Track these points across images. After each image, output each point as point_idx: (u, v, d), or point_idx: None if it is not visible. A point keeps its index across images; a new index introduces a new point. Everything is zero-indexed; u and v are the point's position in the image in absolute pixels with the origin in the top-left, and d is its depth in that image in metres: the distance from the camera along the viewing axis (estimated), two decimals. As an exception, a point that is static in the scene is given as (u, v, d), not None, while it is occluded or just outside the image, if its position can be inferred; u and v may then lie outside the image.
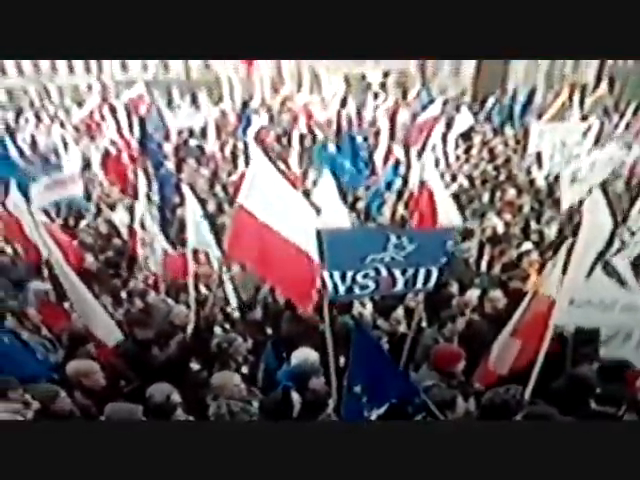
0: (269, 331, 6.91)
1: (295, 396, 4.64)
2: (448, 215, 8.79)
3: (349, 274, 5.05)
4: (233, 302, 7.58)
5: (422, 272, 5.20)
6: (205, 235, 7.08)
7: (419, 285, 5.30)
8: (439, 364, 5.30)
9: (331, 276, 5.03)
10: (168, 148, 16.52)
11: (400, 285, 5.25)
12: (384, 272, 5.11)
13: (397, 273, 5.15)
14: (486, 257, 9.10)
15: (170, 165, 14.33)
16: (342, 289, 5.13)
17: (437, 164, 10.18)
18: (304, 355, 5.48)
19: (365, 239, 5.41)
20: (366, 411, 4.28)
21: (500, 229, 10.47)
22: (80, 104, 26.82)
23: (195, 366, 5.75)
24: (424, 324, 6.77)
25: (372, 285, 5.20)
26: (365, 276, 5.11)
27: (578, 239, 5.03)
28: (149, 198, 9.57)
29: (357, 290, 5.21)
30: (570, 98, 18.49)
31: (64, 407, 4.41)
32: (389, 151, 14.21)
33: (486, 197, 12.98)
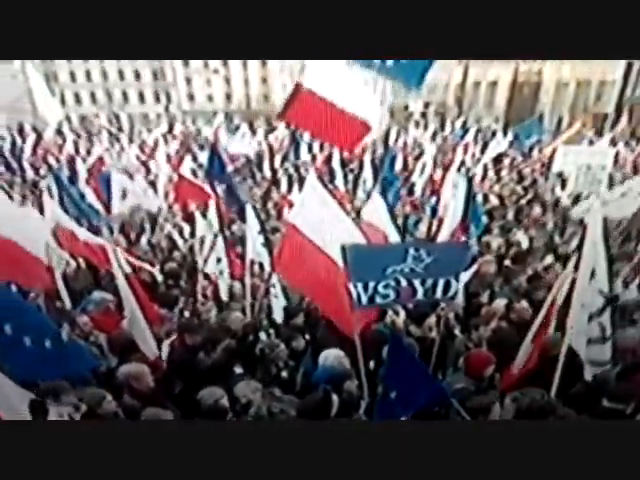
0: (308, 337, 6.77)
1: (334, 397, 4.51)
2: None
3: (371, 285, 5.01)
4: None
5: (441, 282, 5.12)
6: (260, 249, 7.30)
7: (438, 295, 5.22)
8: (472, 369, 5.08)
9: (355, 287, 4.99)
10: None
11: (420, 295, 5.17)
12: (404, 282, 5.04)
13: (417, 283, 5.08)
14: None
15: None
16: (364, 299, 5.08)
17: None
18: (333, 355, 5.33)
19: (386, 252, 5.43)
20: (398, 415, 4.12)
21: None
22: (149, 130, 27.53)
23: (238, 370, 5.64)
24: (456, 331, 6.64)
25: (393, 295, 5.13)
26: (386, 286, 5.04)
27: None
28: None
29: (379, 299, 5.14)
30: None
31: (110, 410, 4.30)
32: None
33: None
